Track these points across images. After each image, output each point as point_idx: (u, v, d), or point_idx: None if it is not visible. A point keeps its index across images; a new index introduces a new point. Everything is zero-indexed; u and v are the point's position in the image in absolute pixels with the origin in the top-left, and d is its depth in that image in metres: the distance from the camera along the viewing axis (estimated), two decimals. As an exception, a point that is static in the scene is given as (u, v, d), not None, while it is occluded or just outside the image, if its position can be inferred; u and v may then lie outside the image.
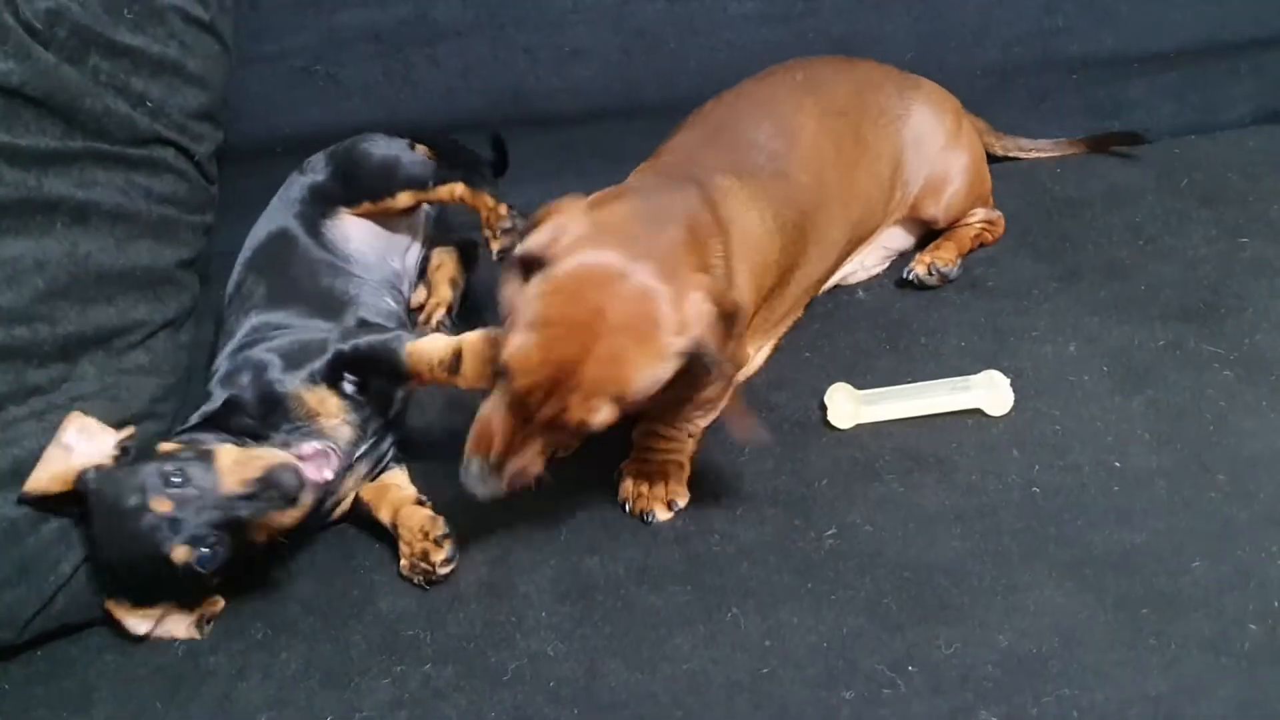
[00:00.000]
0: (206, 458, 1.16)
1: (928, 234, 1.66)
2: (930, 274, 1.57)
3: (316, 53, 1.76)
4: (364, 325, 1.36)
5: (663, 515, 1.28)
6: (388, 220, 1.54)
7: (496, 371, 1.11)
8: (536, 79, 1.80)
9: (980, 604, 1.13)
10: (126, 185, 1.37)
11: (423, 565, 1.22)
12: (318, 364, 1.27)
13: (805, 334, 1.53)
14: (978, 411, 1.35)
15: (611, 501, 1.31)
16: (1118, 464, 1.26)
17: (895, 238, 1.66)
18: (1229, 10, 1.87)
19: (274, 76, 1.76)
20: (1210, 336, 1.42)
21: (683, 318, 1.08)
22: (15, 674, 1.19)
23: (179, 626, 1.21)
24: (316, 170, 1.54)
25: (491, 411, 1.11)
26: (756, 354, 1.45)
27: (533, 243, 1.11)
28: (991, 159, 1.79)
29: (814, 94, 1.50)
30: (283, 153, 1.80)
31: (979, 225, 1.65)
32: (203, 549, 1.13)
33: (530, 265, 1.10)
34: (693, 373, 1.12)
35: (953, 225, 1.64)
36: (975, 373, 1.37)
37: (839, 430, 1.36)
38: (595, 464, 1.36)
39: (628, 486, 1.30)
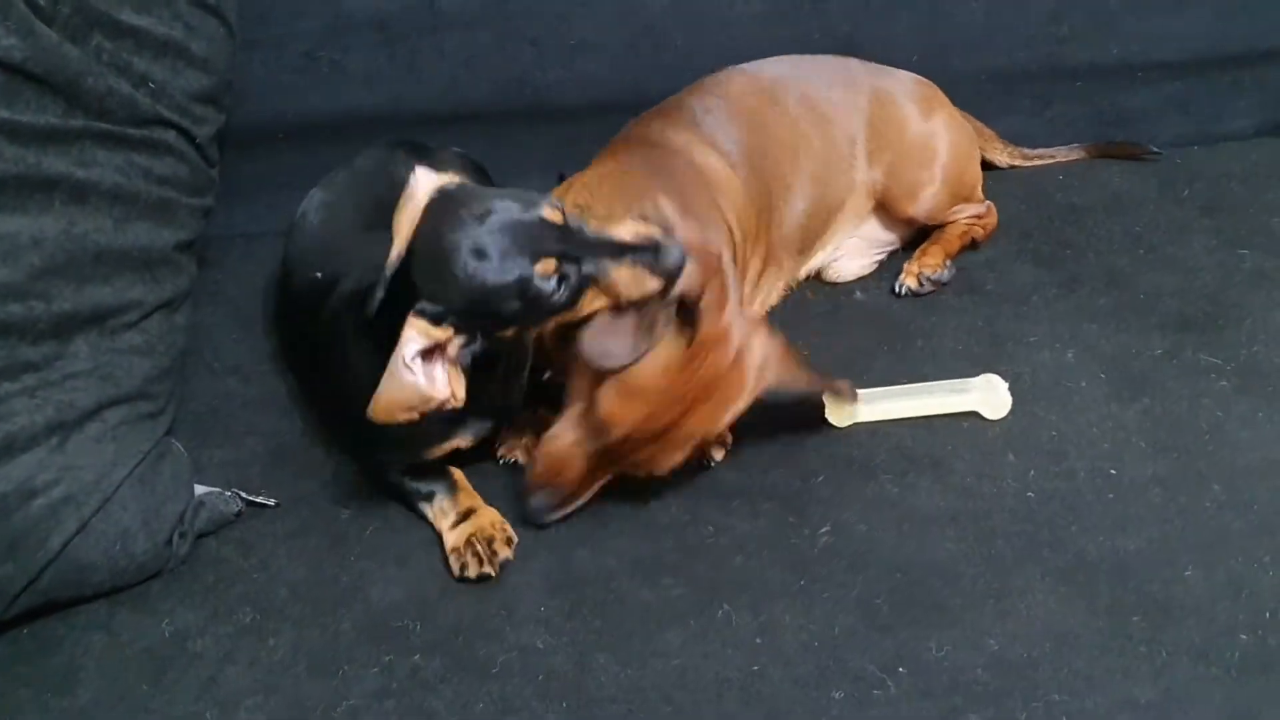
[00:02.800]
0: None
1: (917, 235, 1.66)
2: (920, 284, 1.57)
3: (321, 39, 1.75)
4: None
5: (719, 455, 1.32)
6: None
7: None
8: (541, 71, 1.80)
9: (972, 607, 1.13)
10: (126, 165, 1.36)
11: (481, 549, 1.22)
12: None
13: (804, 333, 1.52)
14: (975, 414, 1.35)
15: (603, 491, 1.30)
16: (1113, 471, 1.26)
17: (878, 231, 1.66)
18: (1233, 23, 1.87)
19: (278, 61, 1.75)
20: (1208, 346, 1.42)
21: None
22: (0, 651, 1.19)
23: (442, 380, 1.13)
24: None
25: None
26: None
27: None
28: (995, 167, 1.80)
29: (736, 80, 1.57)
30: (285, 138, 1.80)
31: (965, 223, 1.64)
32: (566, 272, 1.11)
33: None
34: None
35: (938, 224, 1.64)
36: (972, 376, 1.37)
37: (836, 428, 1.36)
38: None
39: None
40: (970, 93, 1.77)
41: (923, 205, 1.61)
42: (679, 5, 1.78)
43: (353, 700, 1.09)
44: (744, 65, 1.61)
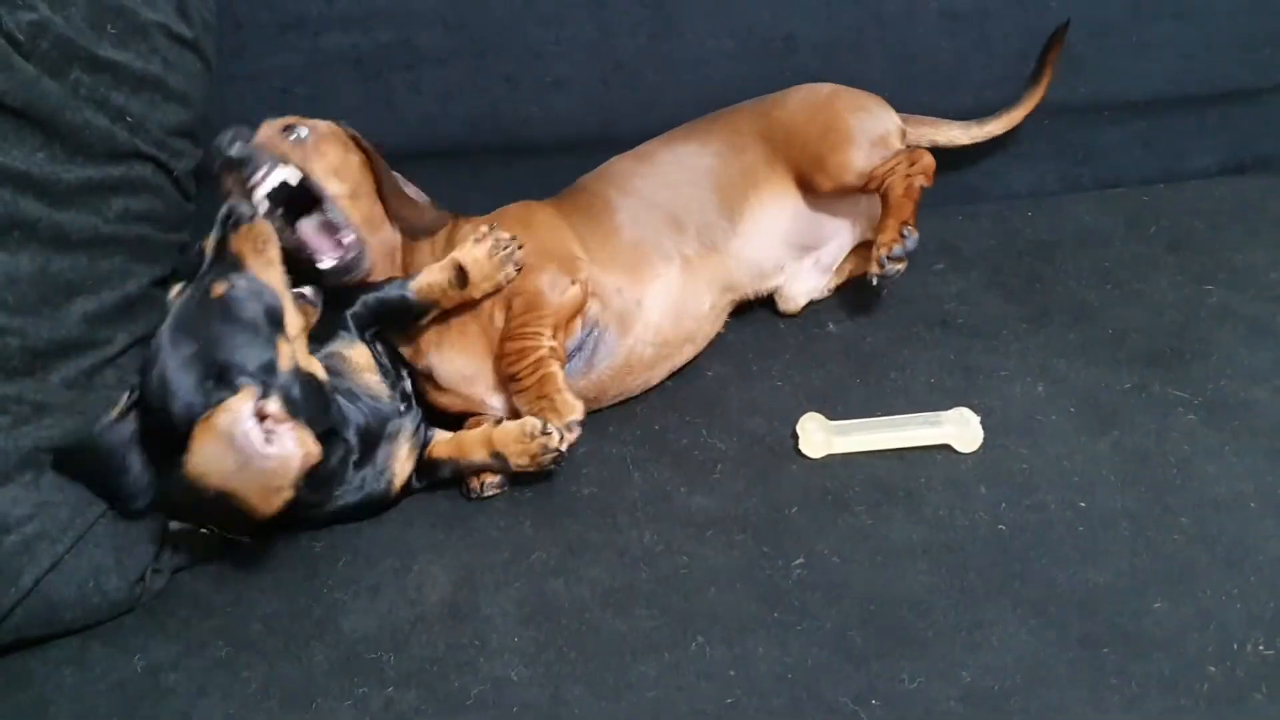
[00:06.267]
0: None
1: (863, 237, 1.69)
2: (884, 267, 1.52)
3: (298, 74, 1.76)
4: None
5: (571, 436, 1.36)
6: None
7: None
8: (516, 107, 1.81)
9: (944, 639, 1.13)
10: (103, 203, 1.36)
11: (548, 455, 1.33)
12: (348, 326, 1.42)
13: (777, 363, 1.55)
14: (947, 447, 1.36)
15: (578, 520, 1.32)
16: (1083, 504, 1.27)
17: (815, 231, 1.66)
18: (1197, 64, 1.90)
19: (254, 96, 1.75)
20: (1175, 380, 1.44)
21: None
22: (-30, 687, 1.18)
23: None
24: None
25: None
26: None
27: None
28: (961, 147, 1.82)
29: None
30: (260, 172, 1.80)
31: (902, 177, 1.57)
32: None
33: None
34: None
35: (876, 183, 1.58)
36: (944, 409, 1.39)
37: (810, 459, 1.37)
38: (560, 484, 1.37)
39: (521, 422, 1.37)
40: (940, 130, 1.79)
41: (849, 170, 1.58)
42: (652, 43, 1.80)
43: (326, 734, 1.09)
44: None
